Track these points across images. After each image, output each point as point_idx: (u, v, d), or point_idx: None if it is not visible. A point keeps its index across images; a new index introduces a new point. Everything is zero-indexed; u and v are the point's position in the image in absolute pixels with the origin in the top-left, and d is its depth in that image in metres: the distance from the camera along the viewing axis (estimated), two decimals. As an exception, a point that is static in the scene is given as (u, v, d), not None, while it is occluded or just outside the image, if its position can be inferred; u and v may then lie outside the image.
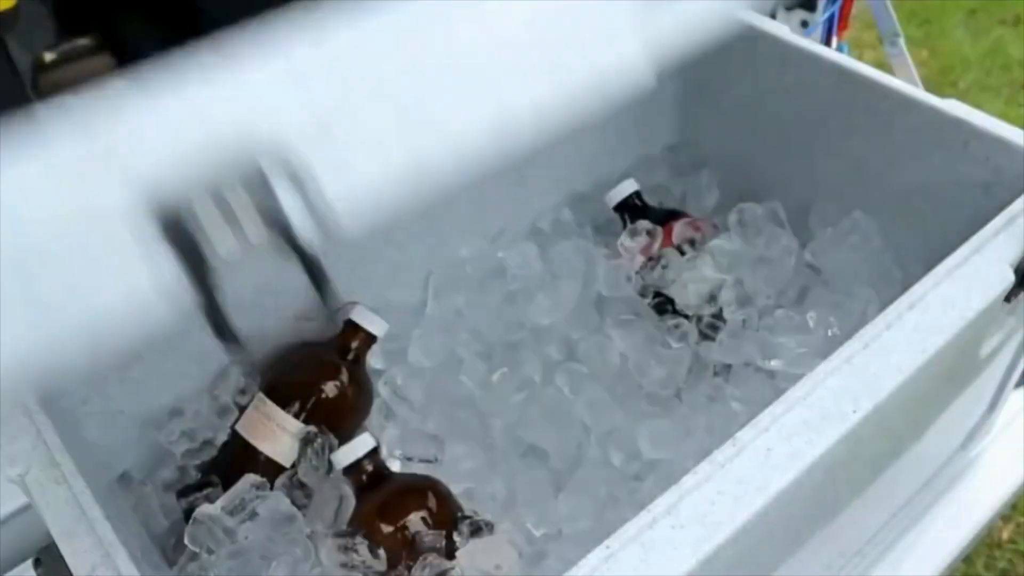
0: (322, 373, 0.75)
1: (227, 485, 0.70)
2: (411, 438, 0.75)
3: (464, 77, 0.48)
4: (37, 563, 0.74)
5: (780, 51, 0.85)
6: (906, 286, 0.63)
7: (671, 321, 0.81)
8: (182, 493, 0.71)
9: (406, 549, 0.65)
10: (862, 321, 0.76)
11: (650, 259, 0.85)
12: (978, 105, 0.76)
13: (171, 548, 0.71)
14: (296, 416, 0.73)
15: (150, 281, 0.41)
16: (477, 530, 0.66)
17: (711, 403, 0.78)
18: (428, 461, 0.73)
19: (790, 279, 0.83)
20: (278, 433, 0.73)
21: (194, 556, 0.67)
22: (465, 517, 0.67)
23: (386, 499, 0.68)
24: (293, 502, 0.69)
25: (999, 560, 1.24)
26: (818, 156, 0.87)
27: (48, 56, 0.83)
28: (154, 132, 0.41)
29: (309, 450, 0.72)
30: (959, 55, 2.24)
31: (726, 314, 0.81)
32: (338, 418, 0.75)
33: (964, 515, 0.75)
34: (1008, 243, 0.65)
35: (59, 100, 0.40)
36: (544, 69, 0.51)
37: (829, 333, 0.78)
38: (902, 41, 1.35)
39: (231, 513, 0.67)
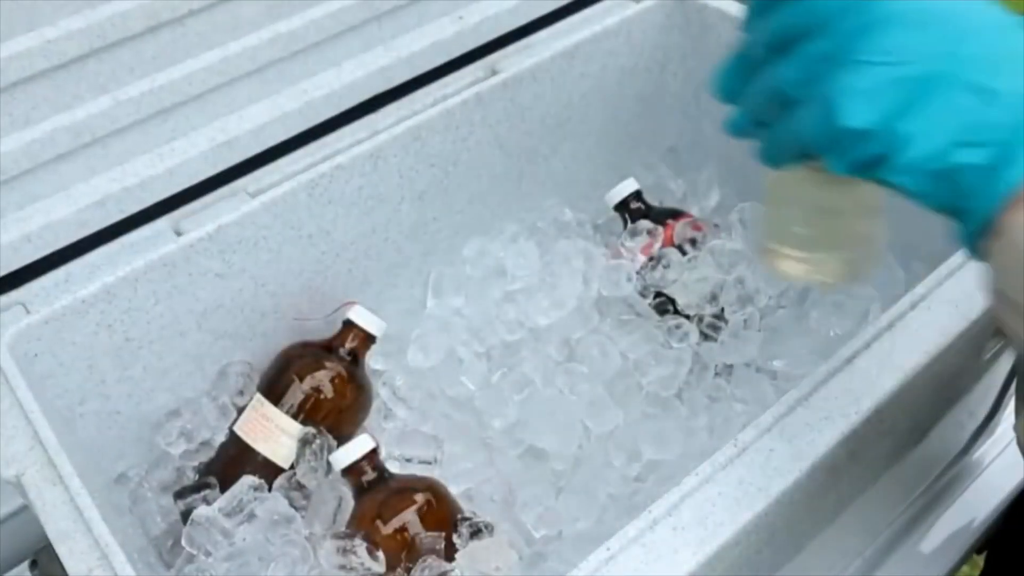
0: (321, 374, 0.74)
1: (225, 486, 0.69)
2: (410, 439, 0.75)
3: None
4: (34, 565, 0.74)
5: (781, 49, 0.84)
6: (908, 286, 0.63)
7: (672, 321, 0.81)
8: (180, 494, 0.71)
9: (405, 550, 0.65)
10: (864, 321, 0.76)
11: (651, 259, 0.85)
12: (981, 103, 0.75)
13: (168, 550, 0.71)
14: (294, 417, 0.73)
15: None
16: (476, 531, 0.66)
17: (712, 403, 0.77)
18: (427, 462, 0.73)
19: (792, 279, 0.83)
20: (276, 434, 0.72)
21: (191, 558, 0.66)
22: (464, 518, 0.66)
23: (385, 500, 0.67)
24: (291, 503, 0.69)
25: (1002, 561, 1.23)
26: (820, 155, 0.87)
27: None
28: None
29: (308, 451, 0.71)
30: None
31: (727, 314, 0.81)
32: (337, 419, 0.74)
33: (967, 518, 0.75)
34: (1011, 242, 0.64)
35: None
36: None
37: (831, 333, 0.77)
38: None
39: (229, 515, 0.67)
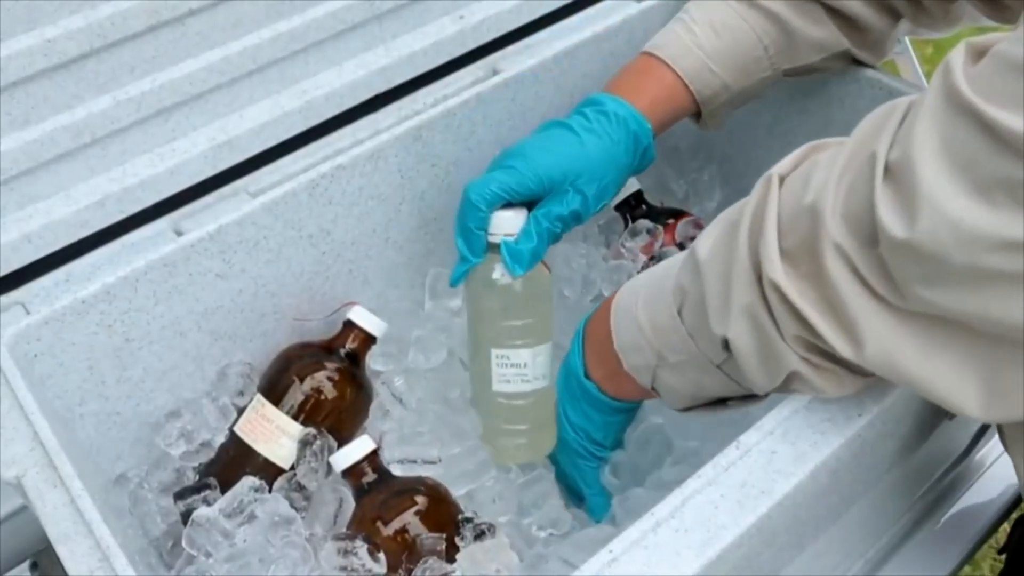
0: (321, 374, 0.74)
1: (225, 487, 0.69)
2: (411, 440, 0.74)
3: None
4: (34, 566, 0.74)
5: (783, 49, 0.84)
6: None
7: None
8: (180, 495, 0.71)
9: (406, 552, 0.64)
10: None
11: (652, 259, 0.85)
12: (984, 103, 0.75)
13: (168, 551, 0.71)
14: (295, 418, 0.73)
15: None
16: (479, 533, 0.65)
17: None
18: (430, 462, 0.73)
19: (793, 279, 0.82)
20: (277, 435, 0.72)
21: (192, 559, 0.66)
22: (467, 519, 0.66)
23: (386, 501, 0.67)
24: (292, 504, 0.68)
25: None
26: (821, 155, 0.86)
27: None
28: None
29: (308, 452, 0.71)
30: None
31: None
32: (337, 420, 0.74)
33: (969, 518, 0.75)
34: (1014, 243, 0.64)
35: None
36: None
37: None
38: (907, 39, 1.35)
39: (229, 516, 0.67)
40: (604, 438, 0.69)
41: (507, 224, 0.70)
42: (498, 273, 0.71)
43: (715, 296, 0.53)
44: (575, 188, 0.70)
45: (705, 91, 0.75)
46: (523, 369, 0.71)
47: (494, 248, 0.71)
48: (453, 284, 0.73)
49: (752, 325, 0.52)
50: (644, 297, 0.61)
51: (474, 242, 0.70)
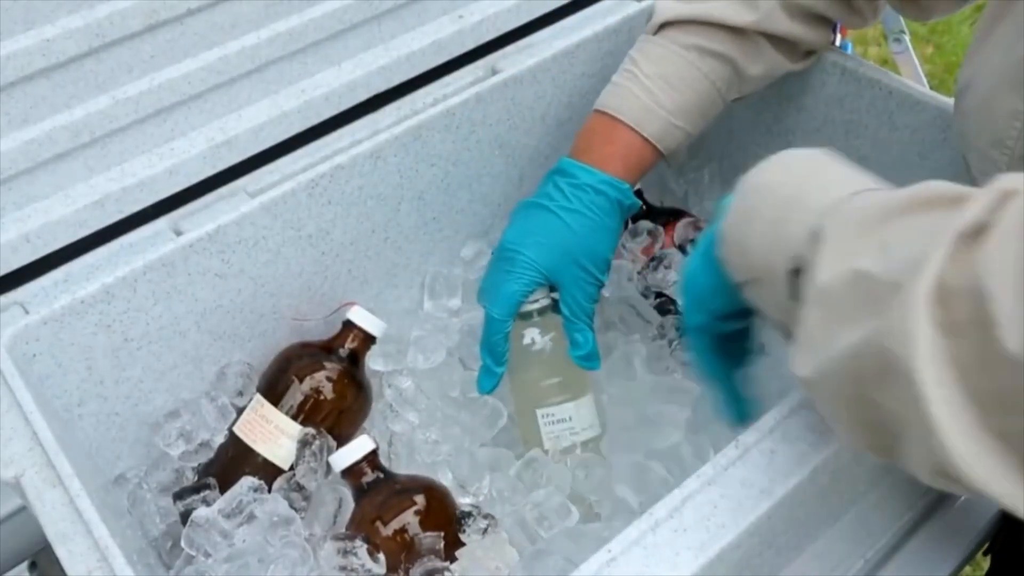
0: (320, 374, 0.74)
1: (224, 487, 0.69)
2: (420, 448, 0.75)
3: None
4: (33, 566, 0.74)
5: (783, 49, 0.84)
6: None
7: (671, 334, 0.80)
8: (179, 496, 0.71)
9: (405, 551, 0.64)
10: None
11: (652, 259, 0.85)
12: (984, 103, 0.75)
13: (168, 551, 0.71)
14: (294, 418, 0.73)
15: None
16: (485, 529, 0.65)
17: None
18: None
19: (793, 279, 0.82)
20: (276, 435, 0.72)
21: (191, 559, 0.66)
22: (467, 514, 0.66)
23: (385, 501, 0.67)
24: (291, 505, 0.68)
25: (1004, 562, 1.22)
26: (821, 155, 0.86)
27: None
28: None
29: (307, 452, 0.71)
30: (965, 51, 2.23)
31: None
32: (336, 420, 0.74)
33: (970, 519, 0.75)
34: (1014, 243, 0.63)
35: None
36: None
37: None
38: (907, 38, 1.35)
39: (228, 516, 0.67)
40: (720, 305, 0.59)
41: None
42: (527, 339, 0.75)
43: (815, 336, 0.45)
44: (579, 266, 0.73)
45: (671, 144, 0.78)
46: (569, 423, 0.74)
47: (519, 317, 0.75)
48: (486, 392, 0.76)
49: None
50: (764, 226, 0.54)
51: (500, 354, 0.75)
